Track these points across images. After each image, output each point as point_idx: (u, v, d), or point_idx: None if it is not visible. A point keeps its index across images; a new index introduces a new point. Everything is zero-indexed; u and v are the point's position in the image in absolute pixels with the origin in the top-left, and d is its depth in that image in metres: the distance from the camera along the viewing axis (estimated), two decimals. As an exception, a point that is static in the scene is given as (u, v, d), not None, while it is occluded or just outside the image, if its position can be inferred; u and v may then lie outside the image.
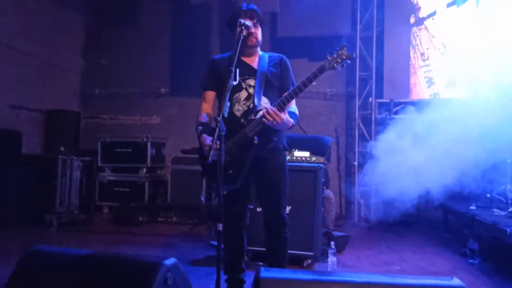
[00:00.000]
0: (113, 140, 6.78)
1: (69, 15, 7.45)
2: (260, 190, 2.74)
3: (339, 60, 2.52)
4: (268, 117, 2.46)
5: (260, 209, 3.01)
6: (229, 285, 2.84)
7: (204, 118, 2.77)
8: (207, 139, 2.59)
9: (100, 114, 7.82)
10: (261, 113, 2.56)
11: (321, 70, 2.53)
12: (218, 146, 2.22)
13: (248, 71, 2.72)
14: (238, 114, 2.65)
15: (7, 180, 5.32)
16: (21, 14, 6.40)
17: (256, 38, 2.70)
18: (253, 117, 2.59)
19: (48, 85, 6.97)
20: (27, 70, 6.55)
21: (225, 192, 2.60)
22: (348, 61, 2.56)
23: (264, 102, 2.67)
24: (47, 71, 6.96)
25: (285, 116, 2.52)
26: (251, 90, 2.67)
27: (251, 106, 2.63)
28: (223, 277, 2.83)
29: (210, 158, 2.20)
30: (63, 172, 5.78)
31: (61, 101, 7.18)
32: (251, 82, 2.69)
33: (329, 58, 2.53)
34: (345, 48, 2.52)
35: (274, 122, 2.47)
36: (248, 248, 3.16)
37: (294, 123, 2.67)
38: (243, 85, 2.68)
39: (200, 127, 2.68)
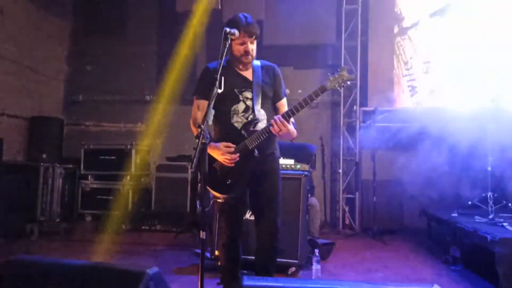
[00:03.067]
0: (97, 147, 6.71)
1: (54, 21, 7.39)
2: (256, 199, 2.74)
3: (340, 81, 2.58)
4: (276, 126, 2.51)
5: (251, 216, 3.01)
6: None
7: (206, 131, 2.71)
8: (219, 145, 2.60)
9: (84, 121, 7.74)
10: (260, 125, 2.63)
11: (323, 90, 2.58)
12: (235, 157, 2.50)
13: (244, 83, 2.73)
14: (237, 125, 2.66)
15: (-13, 188, 5.21)
16: (4, 20, 6.33)
17: (253, 56, 2.73)
18: (253, 129, 2.62)
19: (31, 91, 6.88)
20: (10, 76, 6.46)
21: (223, 201, 2.64)
22: (348, 83, 2.62)
23: (261, 114, 2.69)
24: (30, 78, 6.87)
25: (290, 126, 2.59)
26: (249, 102, 2.69)
27: (250, 118, 2.66)
28: (217, 286, 2.83)
29: (193, 168, 2.19)
30: (44, 179, 5.69)
31: (44, 108, 7.09)
32: (248, 94, 2.70)
33: (331, 78, 2.59)
34: (346, 70, 2.58)
35: (281, 132, 2.53)
36: (249, 257, 3.11)
37: (296, 133, 2.73)
38: (240, 97, 2.70)
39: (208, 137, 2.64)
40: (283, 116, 2.56)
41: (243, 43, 2.65)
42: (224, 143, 2.61)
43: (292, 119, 2.78)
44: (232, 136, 2.65)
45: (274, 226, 2.71)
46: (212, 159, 2.62)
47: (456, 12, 6.17)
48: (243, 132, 2.63)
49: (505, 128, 4.70)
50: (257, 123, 2.65)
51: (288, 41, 6.54)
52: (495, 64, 5.43)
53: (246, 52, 2.66)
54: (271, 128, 2.53)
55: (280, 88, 2.84)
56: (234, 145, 2.60)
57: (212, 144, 2.60)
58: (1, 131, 6.18)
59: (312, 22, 6.48)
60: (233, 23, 2.63)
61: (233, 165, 2.59)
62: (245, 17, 2.67)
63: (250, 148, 2.59)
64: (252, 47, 2.70)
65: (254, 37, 2.68)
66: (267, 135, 2.58)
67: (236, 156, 2.57)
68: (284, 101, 2.86)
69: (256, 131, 2.61)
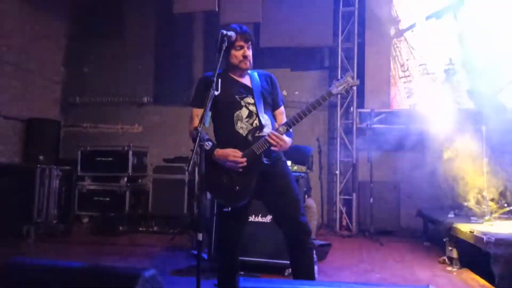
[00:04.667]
0: (94, 149, 6.70)
1: (51, 23, 7.39)
2: (275, 203, 2.64)
3: (345, 86, 2.60)
4: (272, 141, 2.52)
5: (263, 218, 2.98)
6: None
7: (203, 133, 2.50)
8: (227, 150, 2.57)
9: (81, 123, 7.73)
10: (266, 130, 2.60)
11: (329, 95, 2.62)
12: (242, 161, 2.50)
13: (244, 89, 2.70)
14: (241, 132, 2.61)
15: (-16, 190, 5.20)
16: (2, 21, 6.32)
17: (250, 62, 2.70)
18: (259, 135, 2.60)
19: (28, 93, 6.87)
20: (7, 77, 6.45)
21: (229, 209, 2.59)
22: (354, 88, 2.64)
23: (266, 119, 2.66)
24: (27, 79, 6.86)
25: (288, 139, 2.61)
26: (251, 108, 2.65)
27: (255, 124, 2.62)
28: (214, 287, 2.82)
29: (189, 168, 2.20)
30: (41, 181, 5.67)
31: (41, 109, 7.08)
32: (250, 100, 2.67)
33: (336, 83, 2.61)
34: (350, 76, 2.61)
35: (278, 147, 2.53)
36: (246, 258, 3.12)
37: (291, 142, 2.71)
38: (242, 103, 2.65)
39: (210, 143, 2.57)
40: (285, 125, 2.57)
41: (241, 48, 2.64)
42: (232, 149, 2.56)
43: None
44: (237, 142, 2.59)
45: (304, 225, 2.60)
46: (218, 167, 2.57)
47: (452, 14, 6.20)
48: (249, 138, 2.59)
49: (500, 129, 4.73)
50: (262, 128, 2.61)
51: (285, 44, 6.55)
52: (490, 65, 5.45)
53: (245, 57, 2.65)
54: (269, 139, 2.53)
55: (277, 96, 2.83)
56: (240, 152, 2.56)
57: (219, 150, 2.56)
58: (-3, 133, 6.18)
59: (309, 24, 6.49)
60: (228, 31, 2.64)
61: (240, 169, 2.55)
62: (240, 26, 2.69)
63: (257, 153, 2.55)
64: (250, 54, 2.69)
65: (249, 43, 2.69)
66: (269, 144, 2.56)
67: (243, 160, 2.53)
68: (282, 109, 2.85)
69: (263, 136, 2.57)
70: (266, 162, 2.57)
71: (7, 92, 6.46)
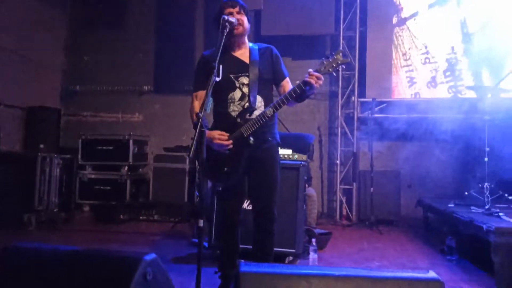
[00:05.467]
0: (95, 137, 6.70)
1: (52, 11, 7.33)
2: (253, 186, 2.75)
3: (334, 65, 2.54)
4: (312, 80, 2.47)
5: (249, 205, 3.03)
6: (223, 282, 2.84)
7: (204, 119, 2.66)
8: (212, 132, 2.62)
9: (82, 112, 7.71)
10: (256, 112, 2.63)
11: (318, 72, 2.53)
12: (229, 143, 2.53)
13: (241, 67, 2.71)
14: (233, 114, 2.67)
15: (-15, 178, 5.21)
16: (2, 10, 6.28)
17: (242, 26, 2.68)
18: (249, 117, 2.63)
19: (28, 81, 6.84)
20: (7, 66, 6.42)
21: (220, 189, 2.68)
22: (343, 66, 2.59)
23: (258, 101, 2.69)
24: (27, 68, 6.83)
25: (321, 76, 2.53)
26: (245, 89, 2.67)
27: (246, 106, 2.65)
28: (214, 275, 2.87)
29: (191, 154, 2.19)
30: (42, 170, 5.67)
31: (41, 98, 7.05)
32: (245, 80, 2.68)
33: (325, 62, 2.55)
34: (341, 53, 2.55)
35: (317, 85, 2.50)
36: (246, 246, 3.11)
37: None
38: (236, 83, 2.68)
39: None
40: (272, 107, 2.57)
41: (230, 14, 2.63)
42: (218, 131, 2.61)
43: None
44: (228, 124, 2.65)
45: (270, 213, 2.72)
46: (209, 149, 2.61)
47: (455, 2, 6.15)
48: (239, 120, 2.64)
49: (502, 119, 4.71)
50: (253, 110, 2.65)
51: (287, 32, 6.51)
52: (493, 54, 5.42)
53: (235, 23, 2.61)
54: (308, 80, 2.48)
55: (280, 67, 2.83)
56: (227, 134, 2.60)
57: (207, 131, 2.60)
58: (-2, 121, 6.16)
59: (311, 12, 6.45)
60: (219, 5, 2.69)
61: (227, 151, 2.60)
62: None
63: (245, 135, 2.60)
64: (240, 17, 2.67)
65: (238, 8, 2.68)
66: (262, 122, 2.58)
67: (229, 143, 2.58)
68: (288, 80, 2.84)
69: (252, 118, 2.61)
70: (252, 142, 2.59)
71: (8, 80, 6.43)
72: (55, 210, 5.69)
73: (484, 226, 3.38)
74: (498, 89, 4.74)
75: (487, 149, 4.50)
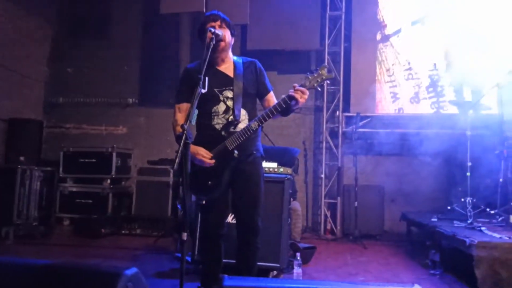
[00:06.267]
0: (77, 150, 6.59)
1: (35, 22, 7.25)
2: (237, 199, 2.72)
3: (319, 80, 2.55)
4: (297, 94, 2.48)
5: (233, 219, 2.99)
6: None
7: (189, 131, 2.63)
8: (199, 149, 2.60)
9: (64, 124, 7.60)
10: (240, 125, 2.63)
11: (302, 87, 2.53)
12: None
13: (225, 81, 2.71)
14: (218, 127, 2.66)
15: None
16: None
17: (224, 40, 2.67)
18: (233, 130, 2.62)
19: (10, 93, 6.72)
20: (-12, 76, 6.31)
21: (204, 202, 2.66)
22: (328, 81, 2.60)
23: (243, 114, 2.69)
24: (9, 79, 6.71)
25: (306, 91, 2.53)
26: (229, 103, 2.67)
27: (230, 119, 2.65)
28: None
29: (175, 166, 2.16)
30: (22, 182, 5.55)
31: (23, 110, 6.93)
32: (229, 93, 2.68)
33: (310, 77, 2.55)
34: (325, 69, 2.55)
35: (302, 99, 2.50)
36: (229, 261, 3.08)
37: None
38: (221, 97, 2.68)
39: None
40: (257, 120, 2.56)
41: (211, 27, 2.62)
42: (202, 148, 2.59)
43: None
44: (212, 137, 2.64)
45: (254, 225, 2.69)
46: (193, 162, 2.58)
47: (436, 20, 6.29)
48: (223, 133, 2.63)
49: (483, 134, 4.79)
50: (237, 124, 2.64)
51: (272, 46, 6.55)
52: (475, 70, 5.54)
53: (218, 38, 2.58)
54: (292, 94, 2.48)
55: (264, 81, 2.83)
56: (211, 154, 2.59)
57: (191, 145, 2.56)
58: (-23, 132, 6.03)
59: (296, 27, 6.52)
60: (202, 20, 2.73)
61: (211, 165, 2.58)
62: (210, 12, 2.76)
63: (230, 148, 2.59)
64: (223, 32, 2.64)
65: (219, 21, 2.68)
66: (247, 135, 2.58)
67: (211, 162, 2.58)
68: (272, 94, 2.84)
69: (236, 132, 2.60)
70: (236, 155, 2.59)
71: (-12, 91, 6.32)
72: (34, 224, 5.55)
73: (467, 240, 3.41)
74: (479, 105, 4.84)
75: (469, 164, 4.56)
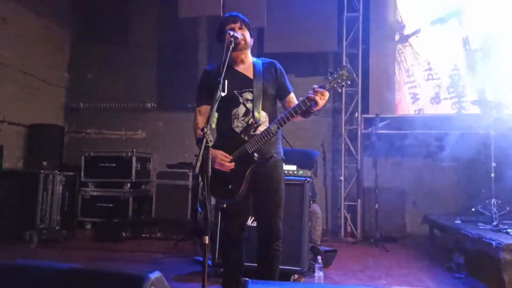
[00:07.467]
0: (97, 154, 6.68)
1: (54, 29, 7.41)
2: (257, 203, 2.70)
3: (339, 81, 2.51)
4: (317, 96, 2.44)
5: (253, 223, 2.98)
6: None
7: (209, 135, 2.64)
8: (218, 152, 2.59)
9: (85, 129, 7.72)
10: (260, 128, 2.61)
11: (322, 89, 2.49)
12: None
13: (244, 82, 2.69)
14: (237, 130, 2.64)
15: (-13, 195, 5.19)
16: (6, 28, 6.34)
17: (245, 40, 2.68)
18: (253, 133, 2.60)
19: (32, 98, 6.87)
20: (11, 83, 6.46)
21: (224, 206, 2.64)
22: (349, 82, 2.56)
23: (263, 116, 2.66)
24: (31, 85, 6.86)
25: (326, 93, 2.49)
26: (249, 105, 2.65)
27: (250, 122, 2.63)
28: None
29: (196, 170, 2.16)
30: (44, 187, 5.65)
31: (45, 115, 7.08)
32: (249, 95, 2.66)
33: (330, 78, 2.52)
34: (345, 69, 2.51)
35: (322, 101, 2.46)
36: (251, 264, 3.07)
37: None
38: (241, 99, 2.66)
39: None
40: (277, 123, 2.54)
41: (232, 29, 2.63)
42: (222, 152, 2.58)
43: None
44: (232, 140, 2.62)
45: (275, 229, 2.66)
46: (213, 166, 2.58)
47: (456, 19, 6.19)
48: (243, 136, 2.61)
49: (507, 134, 4.68)
50: (257, 126, 2.62)
51: (290, 49, 6.53)
52: (495, 70, 5.42)
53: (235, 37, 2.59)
54: (311, 96, 2.45)
55: (285, 82, 2.80)
56: (230, 157, 2.58)
57: (211, 149, 2.58)
58: (1, 138, 6.17)
59: (314, 29, 6.49)
60: (221, 22, 2.73)
61: (228, 170, 2.57)
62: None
63: (250, 152, 2.57)
64: (243, 33, 2.66)
65: (239, 23, 2.68)
66: (267, 138, 2.56)
67: (230, 165, 2.56)
68: (292, 95, 2.80)
69: (256, 135, 2.58)
70: (256, 158, 2.57)
71: (11, 98, 6.46)
72: (56, 228, 5.64)
73: (494, 243, 3.33)
74: (502, 104, 4.73)
75: (493, 164, 4.46)
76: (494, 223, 4.10)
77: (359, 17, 6.61)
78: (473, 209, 4.93)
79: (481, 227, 4.21)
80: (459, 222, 4.63)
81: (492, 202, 4.31)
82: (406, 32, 6.47)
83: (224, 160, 2.57)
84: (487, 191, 4.62)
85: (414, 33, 6.42)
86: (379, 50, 6.50)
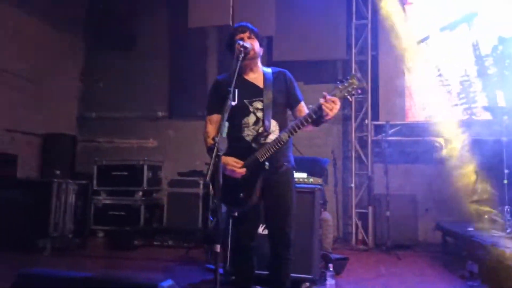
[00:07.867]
0: (109, 163, 6.75)
1: (66, 39, 7.53)
2: (268, 211, 2.71)
3: (350, 89, 2.49)
4: (328, 105, 2.42)
5: (264, 230, 2.98)
6: None
7: (220, 143, 2.65)
8: (229, 158, 2.59)
9: (97, 138, 7.81)
10: (271, 137, 2.61)
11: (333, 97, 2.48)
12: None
13: (254, 91, 2.71)
14: (248, 139, 2.65)
15: (1, 204, 5.25)
16: (18, 38, 6.47)
17: (254, 50, 2.70)
18: (264, 142, 2.61)
19: (44, 108, 6.97)
20: (24, 93, 6.57)
21: (236, 214, 2.65)
22: (359, 91, 2.55)
23: (273, 125, 2.68)
24: (43, 95, 6.97)
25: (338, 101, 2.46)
26: (259, 114, 2.67)
27: (260, 131, 2.64)
28: None
29: (208, 178, 2.18)
30: (57, 195, 5.70)
31: (57, 125, 7.18)
32: (259, 104, 2.68)
33: (340, 87, 2.50)
34: (355, 78, 2.50)
35: (334, 110, 2.43)
36: (261, 272, 3.08)
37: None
38: (251, 108, 2.68)
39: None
40: (287, 131, 2.54)
41: (241, 39, 2.66)
42: (233, 158, 2.59)
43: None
44: (243, 149, 2.63)
45: (286, 237, 2.67)
46: (224, 174, 2.58)
47: (466, 25, 6.17)
48: (253, 145, 2.62)
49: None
50: (267, 135, 2.63)
51: (298, 57, 6.56)
52: (507, 76, 5.39)
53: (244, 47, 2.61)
54: (323, 106, 2.42)
55: (295, 91, 2.81)
56: (242, 162, 2.59)
57: (222, 156, 2.60)
58: (15, 148, 6.26)
59: (322, 37, 6.52)
60: (230, 32, 2.77)
61: (239, 176, 2.58)
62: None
63: (260, 160, 2.58)
64: (252, 42, 2.69)
65: (248, 32, 2.72)
66: (278, 146, 2.57)
67: (242, 171, 2.57)
68: (302, 104, 2.81)
69: (267, 143, 2.60)
70: (267, 167, 2.58)
71: (24, 107, 6.57)
72: (69, 236, 5.68)
73: (507, 251, 3.29)
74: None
75: (506, 171, 4.42)
76: (508, 231, 4.06)
77: (367, 24, 6.63)
78: (486, 216, 4.88)
79: (494, 234, 4.17)
80: (472, 229, 4.59)
81: (505, 209, 4.27)
82: (416, 39, 6.46)
83: (235, 166, 2.58)
84: (501, 198, 4.56)
85: (423, 40, 6.41)
86: (388, 57, 6.49)
